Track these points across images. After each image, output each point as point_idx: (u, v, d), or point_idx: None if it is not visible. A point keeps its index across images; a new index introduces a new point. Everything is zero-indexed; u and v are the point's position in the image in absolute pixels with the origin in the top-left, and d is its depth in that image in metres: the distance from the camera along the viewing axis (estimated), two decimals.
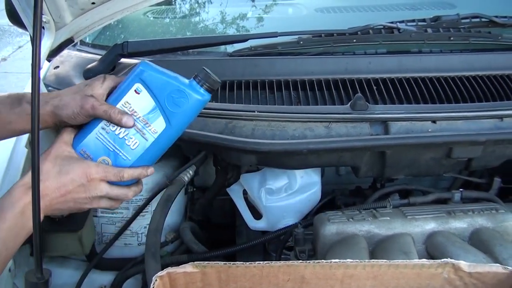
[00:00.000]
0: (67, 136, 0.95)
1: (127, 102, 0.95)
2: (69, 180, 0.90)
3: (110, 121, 0.93)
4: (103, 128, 0.95)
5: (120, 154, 0.95)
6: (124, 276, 1.32)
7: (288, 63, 1.37)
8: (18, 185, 0.88)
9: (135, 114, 0.94)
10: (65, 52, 1.40)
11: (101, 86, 0.97)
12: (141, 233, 1.38)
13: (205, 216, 1.53)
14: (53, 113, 0.95)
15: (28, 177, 0.85)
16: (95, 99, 0.93)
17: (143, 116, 0.94)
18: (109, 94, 0.97)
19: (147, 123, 0.94)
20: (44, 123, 0.96)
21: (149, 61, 0.99)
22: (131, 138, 0.94)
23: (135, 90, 0.94)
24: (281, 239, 1.27)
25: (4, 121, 0.99)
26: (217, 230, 1.59)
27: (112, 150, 0.95)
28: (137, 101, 0.94)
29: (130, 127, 0.94)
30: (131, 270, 1.32)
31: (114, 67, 1.37)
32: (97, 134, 0.95)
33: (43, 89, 1.34)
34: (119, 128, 0.94)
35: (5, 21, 1.22)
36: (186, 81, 0.96)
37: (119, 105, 0.94)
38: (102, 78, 0.98)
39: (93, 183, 0.92)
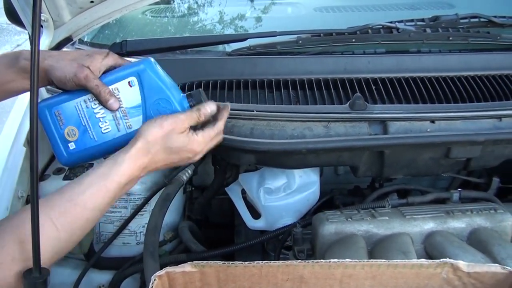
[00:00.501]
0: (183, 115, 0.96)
1: (117, 89, 0.96)
2: (178, 158, 0.95)
3: (98, 97, 0.94)
4: (85, 102, 0.96)
5: (89, 131, 0.96)
6: (122, 275, 1.32)
7: (287, 62, 1.37)
8: (131, 153, 0.89)
9: (119, 102, 0.96)
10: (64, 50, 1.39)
11: (100, 62, 0.97)
12: (140, 232, 1.38)
13: (204, 216, 1.53)
14: (47, 72, 0.95)
15: (141, 145, 0.89)
16: (90, 71, 0.94)
17: (125, 108, 0.96)
18: (105, 71, 0.98)
19: (126, 115, 0.96)
20: (40, 80, 0.95)
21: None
22: (106, 122, 0.96)
23: (128, 82, 0.96)
24: (280, 239, 1.27)
25: (2, 80, 0.98)
26: (216, 230, 1.59)
27: (84, 124, 0.96)
28: (126, 92, 0.96)
29: (113, 111, 0.95)
30: (130, 269, 1.31)
31: None
32: (77, 104, 0.96)
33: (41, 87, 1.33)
34: (99, 107, 0.96)
35: (4, 19, 1.22)
36: (180, 95, 0.98)
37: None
38: (104, 54, 0.99)
39: (199, 154, 0.98)
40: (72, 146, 0.97)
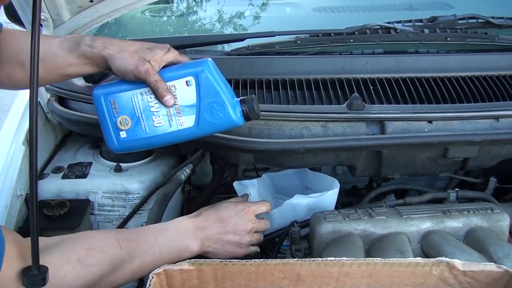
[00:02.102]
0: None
1: (174, 86, 0.98)
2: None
3: (155, 92, 0.96)
4: (141, 94, 0.98)
5: (142, 123, 0.99)
6: None
7: (285, 62, 1.37)
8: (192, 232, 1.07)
9: (175, 99, 0.98)
10: None
11: (161, 56, 0.99)
12: None
13: None
14: (107, 60, 0.97)
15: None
16: (151, 66, 0.95)
17: (180, 106, 0.98)
18: (164, 66, 1.00)
19: (179, 113, 0.99)
20: (98, 66, 1.01)
21: None
22: (159, 117, 0.99)
23: (186, 81, 0.98)
24: (278, 239, 1.27)
25: (61, 64, 1.01)
26: None
27: (137, 115, 0.99)
28: (182, 90, 0.98)
29: (167, 107, 0.98)
30: None
31: None
32: (133, 95, 0.98)
33: (41, 87, 1.33)
34: (155, 101, 0.98)
35: (3, 18, 1.22)
36: (234, 100, 1.00)
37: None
38: (166, 50, 1.01)
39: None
40: (123, 134, 1.00)
